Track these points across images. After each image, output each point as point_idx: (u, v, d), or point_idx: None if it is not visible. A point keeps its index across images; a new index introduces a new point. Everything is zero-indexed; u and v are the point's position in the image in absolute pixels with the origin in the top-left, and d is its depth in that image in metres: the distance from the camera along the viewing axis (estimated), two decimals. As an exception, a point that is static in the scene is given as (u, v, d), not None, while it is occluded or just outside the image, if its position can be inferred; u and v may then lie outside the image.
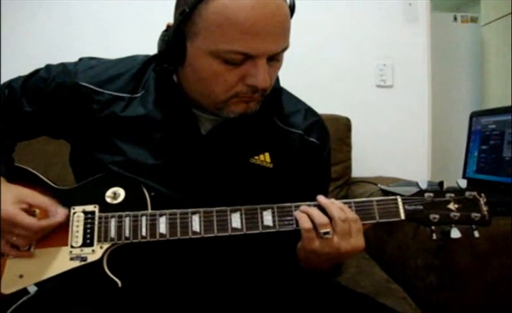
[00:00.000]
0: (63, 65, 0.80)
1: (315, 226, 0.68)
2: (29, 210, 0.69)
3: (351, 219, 0.69)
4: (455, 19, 2.76)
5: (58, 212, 0.69)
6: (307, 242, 0.69)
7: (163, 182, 0.74)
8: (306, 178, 0.82)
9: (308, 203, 0.72)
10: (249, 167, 0.77)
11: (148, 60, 0.80)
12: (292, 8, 0.70)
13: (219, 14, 0.62)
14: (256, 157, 0.78)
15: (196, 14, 0.64)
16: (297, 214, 0.70)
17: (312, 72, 1.77)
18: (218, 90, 0.68)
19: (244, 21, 0.62)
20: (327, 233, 0.68)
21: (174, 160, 0.75)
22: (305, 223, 0.68)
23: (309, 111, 0.85)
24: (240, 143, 0.77)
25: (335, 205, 0.70)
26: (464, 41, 2.75)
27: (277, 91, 0.82)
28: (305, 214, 0.69)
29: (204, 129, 0.77)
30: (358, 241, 0.69)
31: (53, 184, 0.76)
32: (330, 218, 0.69)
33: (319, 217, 0.68)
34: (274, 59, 0.68)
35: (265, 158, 0.78)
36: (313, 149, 0.82)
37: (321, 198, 0.71)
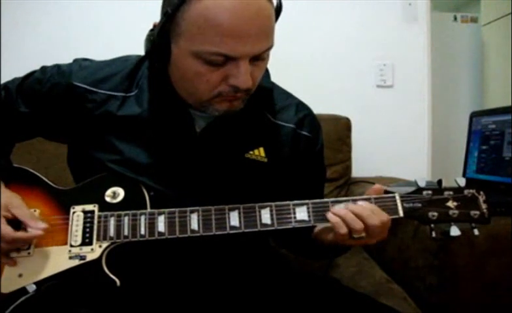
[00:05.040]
0: (58, 66, 0.81)
1: (349, 231, 0.69)
2: (14, 219, 0.68)
3: (385, 223, 0.70)
4: (455, 19, 2.76)
5: (36, 227, 0.67)
6: (339, 240, 0.71)
7: (160, 180, 0.74)
8: (301, 172, 0.83)
9: (344, 202, 0.71)
10: (244, 162, 0.78)
11: (141, 59, 0.81)
12: (278, 9, 0.70)
13: (200, 16, 0.62)
14: (251, 152, 0.78)
15: (179, 16, 0.65)
16: (331, 217, 0.70)
17: (312, 72, 1.77)
18: (201, 90, 0.69)
19: (224, 23, 0.62)
20: (361, 237, 0.69)
21: (170, 158, 0.76)
22: (340, 228, 0.69)
23: (299, 105, 0.86)
24: (235, 138, 0.78)
25: (373, 217, 0.69)
26: (464, 41, 2.76)
27: (268, 90, 0.83)
28: (339, 219, 0.69)
29: (198, 126, 0.77)
30: (384, 235, 0.72)
31: (53, 185, 0.76)
32: (365, 224, 0.69)
33: (354, 223, 0.68)
34: (258, 58, 0.68)
35: (260, 153, 0.79)
36: (305, 142, 0.83)
37: (357, 207, 0.70)
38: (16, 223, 0.68)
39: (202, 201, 0.72)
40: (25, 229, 0.68)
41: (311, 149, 0.84)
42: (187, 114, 0.76)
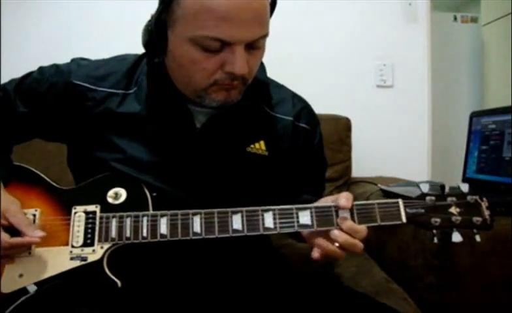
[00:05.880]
0: (56, 66, 0.81)
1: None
2: (9, 226, 0.68)
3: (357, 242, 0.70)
4: (455, 19, 2.76)
5: (33, 235, 0.67)
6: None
7: (163, 178, 0.75)
8: (301, 164, 0.84)
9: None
10: (246, 156, 0.78)
11: (139, 57, 0.81)
12: (273, 2, 0.71)
13: (195, 1, 0.64)
14: (252, 146, 0.79)
15: (175, 3, 0.66)
16: (314, 253, 0.70)
17: (312, 72, 1.77)
18: (197, 78, 0.69)
19: (219, 8, 0.63)
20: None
21: (172, 154, 0.76)
22: (316, 254, 0.70)
23: (295, 97, 0.87)
24: (235, 133, 0.78)
25: (349, 242, 0.69)
26: (464, 41, 2.76)
27: (265, 84, 0.83)
28: (319, 251, 0.70)
29: (197, 122, 0.78)
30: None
31: (54, 184, 0.76)
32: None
33: (332, 252, 0.70)
34: (254, 46, 0.69)
35: (260, 146, 0.79)
36: (304, 134, 0.84)
37: (338, 234, 0.70)
38: (14, 230, 0.68)
39: (204, 197, 0.72)
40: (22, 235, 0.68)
41: (309, 141, 0.85)
42: (185, 110, 0.77)
